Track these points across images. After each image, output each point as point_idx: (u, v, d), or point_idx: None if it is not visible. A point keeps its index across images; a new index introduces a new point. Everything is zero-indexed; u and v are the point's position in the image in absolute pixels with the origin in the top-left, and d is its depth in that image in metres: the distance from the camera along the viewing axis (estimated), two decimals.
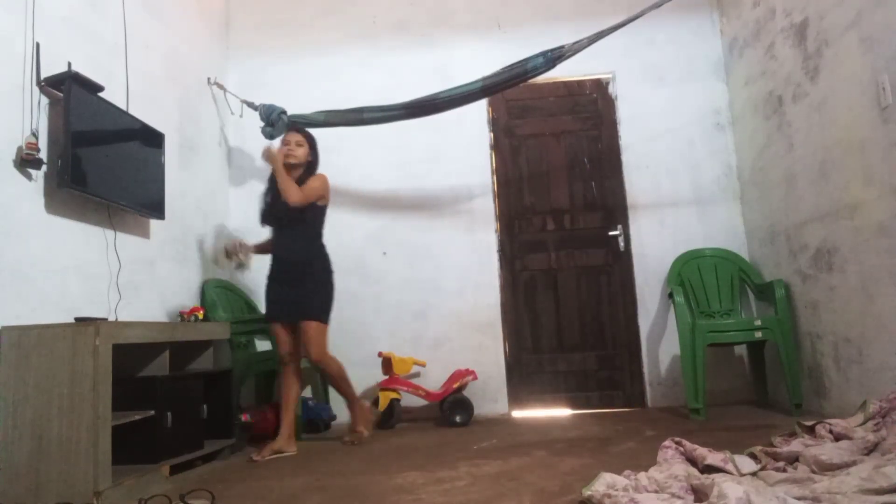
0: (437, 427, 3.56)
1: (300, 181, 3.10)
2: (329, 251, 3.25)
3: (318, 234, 3.22)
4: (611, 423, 3.33)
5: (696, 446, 2.15)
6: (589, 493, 1.86)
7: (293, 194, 3.02)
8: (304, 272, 3.09)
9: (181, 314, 3.11)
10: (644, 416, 3.55)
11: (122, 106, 2.95)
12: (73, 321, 2.38)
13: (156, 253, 3.25)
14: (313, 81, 4.23)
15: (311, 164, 3.20)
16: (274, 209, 3.14)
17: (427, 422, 3.74)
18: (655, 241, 3.97)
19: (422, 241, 4.08)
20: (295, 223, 3.12)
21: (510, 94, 4.04)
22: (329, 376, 3.22)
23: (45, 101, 2.50)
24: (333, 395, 3.85)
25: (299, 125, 3.72)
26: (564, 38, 3.32)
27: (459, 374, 3.68)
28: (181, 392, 2.67)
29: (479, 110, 4.10)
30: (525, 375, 3.98)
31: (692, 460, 2.11)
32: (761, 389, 3.66)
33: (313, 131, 3.86)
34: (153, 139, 3.13)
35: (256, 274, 4.03)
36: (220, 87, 4.10)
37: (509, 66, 3.35)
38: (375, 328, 3.98)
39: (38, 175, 2.45)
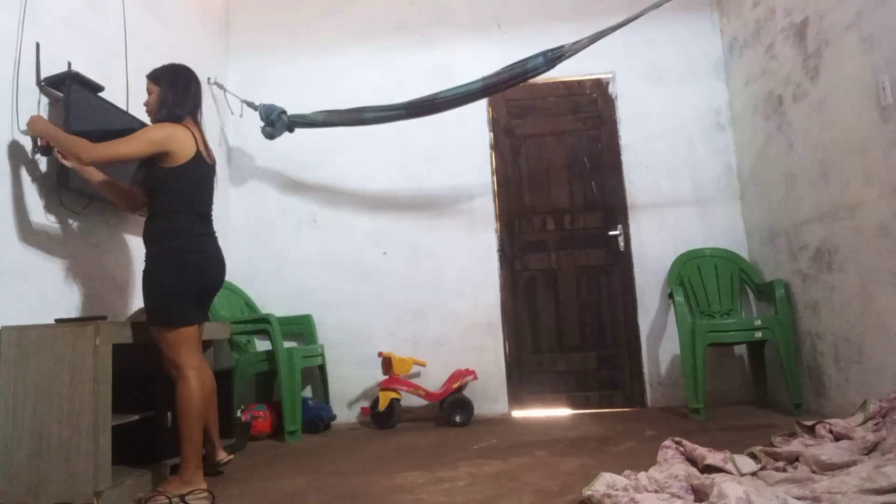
0: (437, 427, 3.56)
1: None
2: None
3: (166, 209, 2.33)
4: (611, 423, 3.33)
5: (696, 446, 2.15)
6: (589, 493, 1.86)
7: (81, 151, 2.19)
8: (146, 260, 2.35)
9: None
10: (644, 416, 3.55)
11: (122, 106, 2.95)
12: (72, 321, 2.38)
13: None
14: (313, 81, 4.23)
15: (166, 111, 2.37)
16: (135, 181, 2.47)
17: (427, 422, 3.73)
18: (655, 241, 3.97)
19: (422, 241, 4.08)
20: (149, 195, 2.41)
21: (510, 94, 4.04)
22: (176, 396, 2.27)
23: (45, 101, 2.50)
24: (333, 394, 3.86)
25: (298, 124, 3.74)
26: (564, 38, 3.32)
27: (459, 374, 3.68)
28: None
29: (479, 110, 4.10)
30: (525, 375, 3.98)
31: (692, 460, 2.11)
32: (761, 389, 3.66)
33: (313, 131, 3.90)
34: None
35: (257, 273, 4.06)
36: (220, 87, 4.10)
37: (509, 66, 3.34)
38: (375, 328, 3.98)
39: (39, 175, 2.45)
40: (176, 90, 2.41)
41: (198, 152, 2.38)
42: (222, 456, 2.57)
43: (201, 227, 2.41)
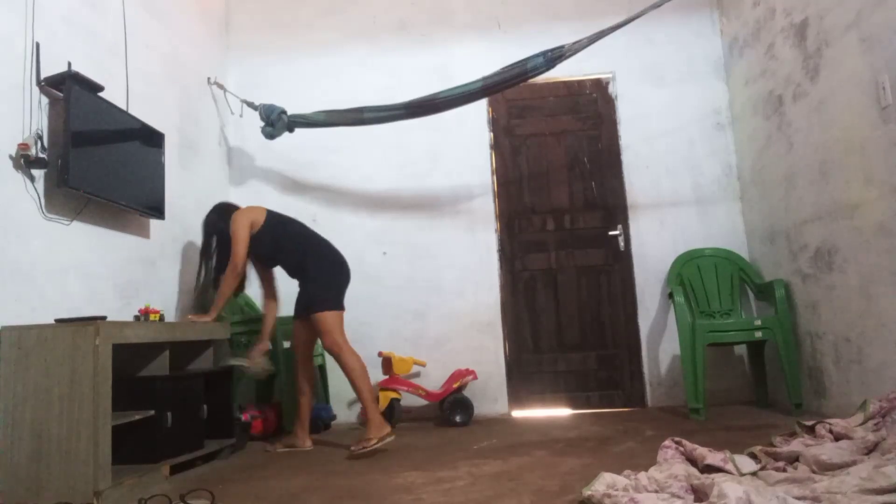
0: (437, 427, 3.56)
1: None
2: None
3: (289, 250, 3.12)
4: (611, 423, 3.33)
5: (696, 446, 2.15)
6: (589, 493, 1.86)
7: (231, 272, 3.01)
8: (306, 277, 3.12)
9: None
10: (644, 416, 3.55)
11: (122, 106, 2.96)
12: (72, 321, 2.38)
13: (156, 253, 3.25)
14: (313, 81, 4.23)
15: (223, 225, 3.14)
16: (274, 261, 3.25)
17: (427, 422, 3.74)
18: (655, 241, 3.97)
19: (422, 241, 4.08)
20: (275, 260, 3.22)
21: (510, 94, 4.04)
22: (343, 368, 3.01)
23: (45, 100, 2.50)
24: (333, 394, 3.86)
25: (298, 124, 3.75)
26: (564, 38, 3.32)
27: (459, 374, 3.68)
28: (181, 392, 2.67)
29: (479, 110, 4.10)
30: (525, 375, 3.98)
31: (692, 460, 2.11)
32: (761, 389, 3.66)
33: (313, 131, 3.90)
34: (153, 139, 3.13)
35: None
36: (220, 87, 4.10)
37: (509, 65, 3.34)
38: (375, 328, 3.98)
39: (39, 175, 2.45)
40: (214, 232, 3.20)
41: (268, 211, 3.14)
42: (308, 443, 3.09)
43: (325, 244, 3.15)
